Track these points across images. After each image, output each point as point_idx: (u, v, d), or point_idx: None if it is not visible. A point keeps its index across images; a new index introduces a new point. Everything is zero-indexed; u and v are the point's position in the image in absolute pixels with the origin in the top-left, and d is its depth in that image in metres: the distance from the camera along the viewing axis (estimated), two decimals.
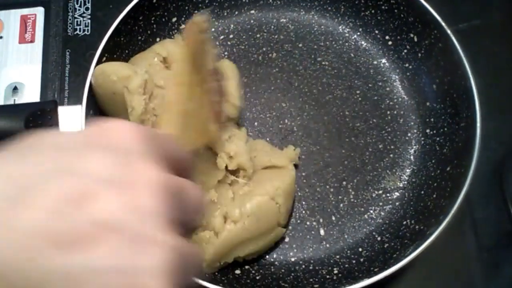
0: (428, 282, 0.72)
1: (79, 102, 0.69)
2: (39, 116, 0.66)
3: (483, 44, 0.85)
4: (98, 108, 0.71)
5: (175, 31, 0.82)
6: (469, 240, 0.73)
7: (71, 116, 0.68)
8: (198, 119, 0.60)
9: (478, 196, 0.74)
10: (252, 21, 0.85)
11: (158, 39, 0.80)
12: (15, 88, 0.81)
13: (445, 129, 0.75)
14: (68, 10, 0.87)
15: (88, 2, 0.88)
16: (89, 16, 0.87)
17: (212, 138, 0.65)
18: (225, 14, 0.84)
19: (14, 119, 0.63)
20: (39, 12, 0.86)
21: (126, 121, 0.39)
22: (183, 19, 0.82)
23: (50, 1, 0.87)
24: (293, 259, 0.72)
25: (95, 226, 0.31)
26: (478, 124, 0.69)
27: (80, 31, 0.86)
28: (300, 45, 0.83)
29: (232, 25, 0.84)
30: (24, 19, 0.86)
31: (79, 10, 0.87)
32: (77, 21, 0.86)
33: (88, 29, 0.86)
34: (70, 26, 0.86)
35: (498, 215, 0.75)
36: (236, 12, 0.85)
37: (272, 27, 0.84)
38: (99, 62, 0.71)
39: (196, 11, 0.83)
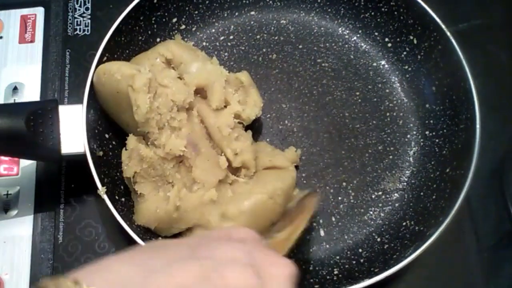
0: (428, 282, 0.72)
1: (79, 101, 0.69)
2: (40, 115, 0.65)
3: (482, 44, 0.86)
4: (99, 108, 0.72)
5: (175, 31, 0.82)
6: (469, 240, 0.73)
7: (71, 115, 0.68)
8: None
9: (478, 196, 0.74)
10: (252, 22, 0.85)
11: (158, 39, 0.80)
12: (15, 88, 0.81)
13: (445, 130, 0.75)
14: (68, 10, 0.87)
15: (88, 2, 0.88)
16: (89, 16, 0.87)
17: None
18: (225, 15, 0.85)
19: (15, 117, 0.63)
20: (39, 12, 0.86)
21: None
22: (183, 19, 0.82)
23: (50, 1, 0.87)
24: (293, 260, 0.71)
25: None
26: (478, 126, 0.69)
27: (80, 31, 0.86)
28: (300, 46, 0.83)
29: (232, 26, 0.84)
30: (24, 19, 0.85)
31: (79, 10, 0.87)
32: (77, 21, 0.86)
33: (88, 29, 0.86)
34: (70, 26, 0.86)
35: (498, 215, 0.75)
36: (236, 13, 0.85)
37: (272, 28, 0.84)
38: (100, 61, 0.71)
39: (196, 12, 0.83)
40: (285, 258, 0.47)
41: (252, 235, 0.49)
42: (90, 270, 0.38)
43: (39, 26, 0.85)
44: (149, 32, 0.79)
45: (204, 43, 0.83)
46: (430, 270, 0.72)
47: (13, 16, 0.86)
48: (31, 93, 0.81)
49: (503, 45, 0.87)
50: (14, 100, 0.80)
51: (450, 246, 0.72)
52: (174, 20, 0.82)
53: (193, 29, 0.84)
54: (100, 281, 0.36)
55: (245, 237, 0.48)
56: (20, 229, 0.73)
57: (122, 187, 0.71)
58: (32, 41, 0.84)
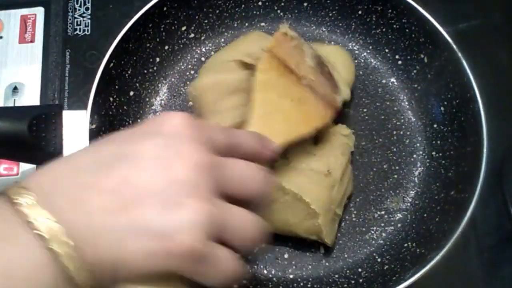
0: (428, 282, 0.71)
1: (79, 101, 0.70)
2: (43, 120, 0.65)
3: (482, 44, 0.86)
4: (103, 114, 0.71)
5: (184, 39, 0.82)
6: (469, 240, 0.72)
7: (75, 121, 0.68)
8: (299, 113, 0.68)
9: (478, 196, 0.73)
10: None
11: (166, 47, 0.80)
12: (15, 88, 0.81)
13: (451, 152, 0.74)
14: (68, 10, 0.87)
15: (88, 2, 0.88)
16: (89, 16, 0.87)
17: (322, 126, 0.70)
18: (235, 25, 0.84)
19: (17, 121, 0.63)
20: (39, 12, 0.87)
21: (178, 112, 0.49)
22: (192, 28, 0.82)
23: (50, 1, 0.87)
24: (291, 276, 0.71)
25: (138, 194, 0.42)
26: (485, 150, 0.68)
27: (80, 31, 0.86)
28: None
29: (241, 37, 0.84)
30: (24, 19, 0.86)
31: (79, 10, 0.87)
32: (77, 21, 0.86)
33: (88, 29, 0.86)
34: (70, 26, 0.86)
35: (498, 215, 0.75)
36: (246, 24, 0.85)
37: None
38: (106, 67, 0.71)
39: (206, 21, 0.82)
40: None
41: (184, 130, 0.46)
42: (36, 173, 0.46)
43: (39, 26, 0.86)
44: (158, 39, 0.79)
45: (212, 53, 0.83)
46: (429, 270, 0.70)
47: (13, 16, 0.86)
48: (31, 93, 0.81)
49: (503, 45, 0.87)
50: (14, 100, 0.80)
51: (450, 246, 0.71)
52: (183, 28, 0.81)
53: (202, 38, 0.83)
54: (35, 181, 0.42)
55: (178, 130, 0.46)
56: None
57: None
58: (32, 41, 0.84)
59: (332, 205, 0.68)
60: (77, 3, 0.87)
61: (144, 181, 0.42)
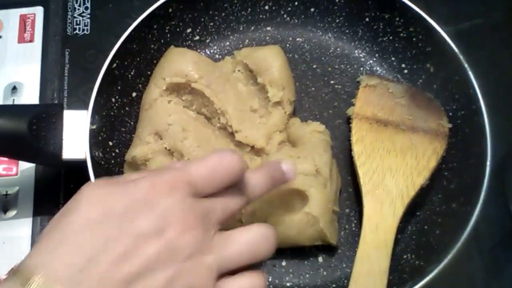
0: (429, 281, 0.70)
1: (78, 101, 0.69)
2: (44, 119, 0.65)
3: (484, 43, 0.85)
4: (104, 114, 0.71)
5: (189, 41, 0.82)
6: (470, 240, 0.71)
7: (75, 120, 0.67)
8: (407, 165, 0.71)
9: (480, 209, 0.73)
10: (267, 38, 0.84)
11: None
12: (14, 88, 0.80)
13: (455, 164, 0.74)
14: (68, 9, 0.87)
15: (88, 2, 0.88)
16: (88, 16, 0.87)
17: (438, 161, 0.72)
18: (241, 28, 0.84)
19: (18, 119, 0.63)
20: (38, 11, 0.87)
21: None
22: (198, 30, 0.82)
23: (50, 1, 0.88)
24: (288, 284, 0.70)
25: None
26: (488, 163, 0.68)
27: (79, 30, 0.86)
28: (314, 66, 0.82)
29: (247, 40, 0.84)
30: (23, 19, 0.85)
31: (78, 9, 0.87)
32: (76, 21, 0.86)
33: (87, 29, 0.86)
34: (69, 26, 0.86)
35: (498, 215, 0.74)
36: (252, 28, 0.84)
37: (288, 45, 0.83)
38: (109, 67, 0.71)
39: (211, 23, 0.82)
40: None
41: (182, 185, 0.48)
42: (40, 254, 0.44)
43: (38, 25, 0.86)
44: (162, 41, 0.79)
45: (217, 56, 0.83)
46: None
47: (12, 16, 0.86)
48: (31, 93, 0.81)
49: (504, 44, 0.86)
50: (13, 100, 0.80)
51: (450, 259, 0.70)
52: (189, 30, 0.81)
53: (207, 40, 0.83)
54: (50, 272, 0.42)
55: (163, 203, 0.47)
56: (19, 230, 0.73)
57: None
58: (31, 40, 0.84)
59: (329, 204, 0.68)
60: (76, 3, 0.87)
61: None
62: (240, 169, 0.51)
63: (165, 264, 0.45)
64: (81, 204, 0.46)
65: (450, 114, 0.75)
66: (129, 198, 0.46)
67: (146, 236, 0.45)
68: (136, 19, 0.74)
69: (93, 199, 0.47)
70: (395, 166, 0.70)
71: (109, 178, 0.51)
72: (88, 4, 0.87)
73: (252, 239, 0.50)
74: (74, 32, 0.85)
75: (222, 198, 0.51)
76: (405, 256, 0.71)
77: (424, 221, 0.73)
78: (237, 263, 0.49)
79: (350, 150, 0.74)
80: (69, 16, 0.86)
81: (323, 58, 0.83)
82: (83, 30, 0.86)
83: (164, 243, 0.45)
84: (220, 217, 0.50)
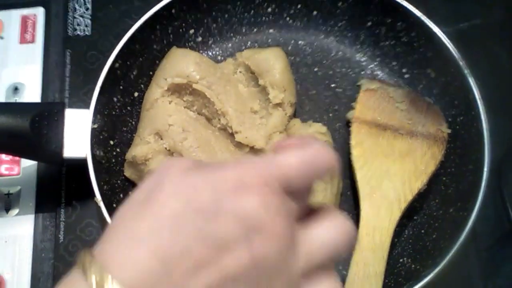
0: (427, 281, 0.70)
1: (79, 101, 0.69)
2: (46, 117, 0.65)
3: (483, 43, 0.85)
4: (106, 113, 0.72)
5: (192, 43, 0.82)
6: (468, 239, 0.71)
7: (77, 119, 0.68)
8: (405, 170, 0.72)
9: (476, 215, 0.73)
10: (269, 40, 0.84)
11: None
12: (16, 88, 0.81)
13: (453, 169, 0.74)
14: (68, 10, 0.88)
15: (88, 2, 0.88)
16: (89, 16, 0.87)
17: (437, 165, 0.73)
18: (244, 30, 0.84)
19: (20, 117, 0.63)
20: (39, 12, 0.87)
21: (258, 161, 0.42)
22: (200, 31, 0.82)
23: (51, 1, 0.88)
24: None
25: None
26: (486, 169, 0.68)
27: (80, 31, 0.86)
28: (316, 69, 0.83)
29: (249, 42, 0.84)
30: (24, 19, 0.86)
31: (79, 10, 0.87)
32: (77, 21, 0.87)
33: (88, 29, 0.86)
34: (70, 26, 0.86)
35: (496, 214, 0.74)
36: (255, 30, 0.85)
37: (290, 48, 0.84)
38: (112, 67, 0.72)
39: (214, 25, 0.82)
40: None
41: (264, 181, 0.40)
42: (103, 245, 0.39)
43: (39, 26, 0.86)
44: (165, 41, 0.79)
45: (219, 57, 0.83)
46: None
47: (14, 17, 0.87)
48: (32, 93, 0.81)
49: (503, 45, 0.86)
50: (15, 100, 0.80)
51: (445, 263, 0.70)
52: (192, 31, 0.82)
53: (210, 41, 0.83)
54: (122, 273, 0.37)
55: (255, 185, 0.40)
56: (21, 229, 0.74)
57: (121, 195, 0.71)
58: (32, 41, 0.85)
59: None
60: (77, 3, 0.88)
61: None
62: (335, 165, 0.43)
63: (250, 278, 0.38)
64: (164, 194, 0.39)
65: (450, 119, 0.76)
66: (214, 193, 0.39)
67: (231, 242, 0.38)
68: (136, 20, 0.74)
69: (178, 189, 0.39)
70: (393, 170, 0.71)
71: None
72: (89, 5, 0.87)
73: (335, 238, 0.42)
74: (75, 33, 0.86)
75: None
76: (401, 260, 0.71)
77: (421, 225, 0.73)
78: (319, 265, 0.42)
79: (349, 153, 0.74)
80: (70, 17, 0.87)
81: (324, 61, 0.83)
82: (84, 31, 0.86)
83: (250, 253, 0.38)
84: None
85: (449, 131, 0.74)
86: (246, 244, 0.38)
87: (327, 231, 0.42)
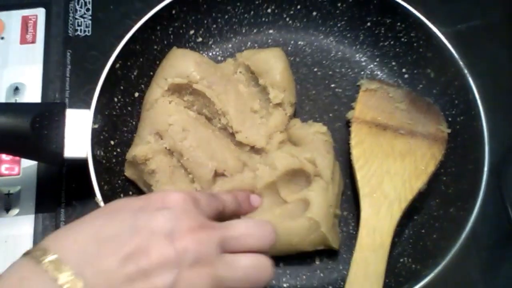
0: (427, 281, 0.70)
1: (80, 102, 0.69)
2: (47, 117, 0.65)
3: (482, 44, 0.86)
4: (107, 114, 0.72)
5: (192, 43, 0.82)
6: (468, 239, 0.71)
7: (78, 119, 0.68)
8: (406, 169, 0.72)
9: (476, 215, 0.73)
10: (269, 41, 0.84)
11: None
12: (17, 89, 0.81)
13: (453, 169, 0.74)
14: (69, 11, 0.88)
15: (89, 3, 0.88)
16: (90, 17, 0.87)
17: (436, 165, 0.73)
18: (243, 31, 0.84)
19: (21, 117, 0.63)
20: (40, 13, 0.87)
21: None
22: (201, 32, 0.82)
23: (51, 2, 0.88)
24: (285, 285, 0.71)
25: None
26: (486, 169, 0.68)
27: (81, 32, 0.86)
28: (316, 69, 0.83)
29: (249, 43, 0.84)
30: (25, 20, 0.86)
31: (80, 11, 0.87)
32: (78, 22, 0.87)
33: (89, 30, 0.86)
34: (71, 27, 0.86)
35: (496, 214, 0.74)
36: (255, 30, 0.85)
37: (289, 48, 0.84)
38: (112, 67, 0.72)
39: (214, 25, 0.83)
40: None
41: (181, 202, 0.52)
42: (56, 236, 0.49)
43: (40, 27, 0.86)
44: (165, 42, 0.79)
45: (219, 58, 0.83)
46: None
47: (14, 17, 0.87)
48: (33, 93, 0.81)
49: (502, 45, 0.87)
50: (16, 100, 0.80)
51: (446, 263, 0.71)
52: (192, 32, 0.82)
53: (210, 42, 0.84)
54: (62, 250, 0.46)
55: (174, 205, 0.52)
56: (22, 229, 0.74)
57: (121, 195, 0.71)
58: (33, 42, 0.85)
59: (330, 208, 0.68)
60: (78, 4, 0.88)
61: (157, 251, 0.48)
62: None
63: (172, 267, 0.48)
64: (101, 207, 0.53)
65: (450, 119, 0.76)
66: (144, 201, 0.52)
67: (159, 234, 0.49)
68: (137, 20, 0.75)
69: (114, 202, 0.53)
70: (394, 170, 0.71)
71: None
72: (90, 6, 0.88)
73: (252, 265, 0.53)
74: (76, 34, 0.86)
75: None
76: (401, 260, 0.71)
77: (421, 225, 0.73)
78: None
79: (349, 153, 0.74)
80: (70, 18, 0.87)
81: (324, 62, 0.83)
82: (85, 31, 0.86)
83: (173, 246, 0.48)
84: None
85: (449, 131, 0.74)
86: (171, 238, 0.48)
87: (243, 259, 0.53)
